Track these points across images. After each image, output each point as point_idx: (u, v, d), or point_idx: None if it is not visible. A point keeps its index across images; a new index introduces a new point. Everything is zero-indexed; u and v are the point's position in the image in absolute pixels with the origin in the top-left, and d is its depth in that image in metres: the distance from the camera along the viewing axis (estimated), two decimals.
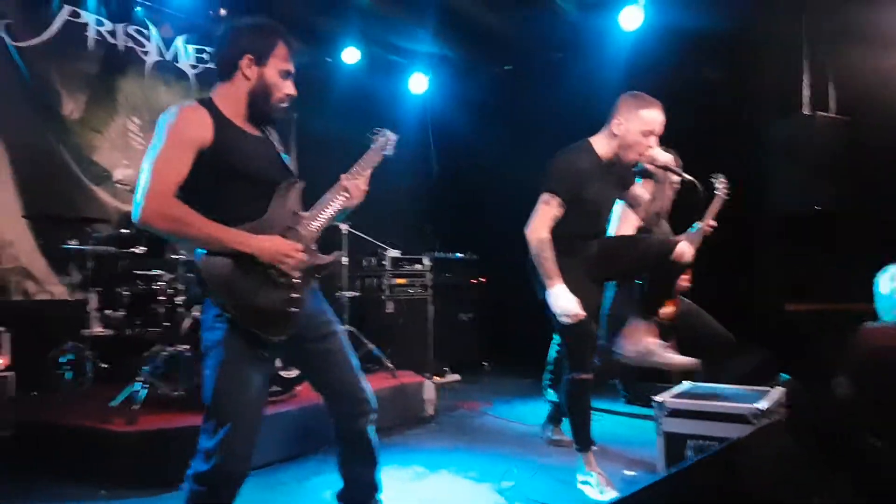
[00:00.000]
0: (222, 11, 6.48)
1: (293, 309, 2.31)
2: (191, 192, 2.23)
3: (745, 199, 5.81)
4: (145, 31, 6.01)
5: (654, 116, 3.31)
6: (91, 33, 5.61)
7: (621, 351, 3.65)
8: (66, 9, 5.46)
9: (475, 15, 6.70)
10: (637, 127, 3.30)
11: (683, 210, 3.70)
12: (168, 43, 6.20)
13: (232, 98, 2.37)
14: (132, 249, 4.77)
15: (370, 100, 7.51)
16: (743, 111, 6.16)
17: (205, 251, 2.22)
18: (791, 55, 5.85)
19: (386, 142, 2.68)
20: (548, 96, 7.41)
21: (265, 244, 2.25)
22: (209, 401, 2.25)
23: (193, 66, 6.39)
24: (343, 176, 2.52)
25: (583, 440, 3.55)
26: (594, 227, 3.54)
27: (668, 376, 5.88)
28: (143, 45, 5.99)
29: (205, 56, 6.47)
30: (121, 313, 4.68)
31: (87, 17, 5.59)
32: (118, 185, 5.59)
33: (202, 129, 2.25)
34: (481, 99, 7.96)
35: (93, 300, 4.67)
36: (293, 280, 2.30)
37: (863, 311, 3.89)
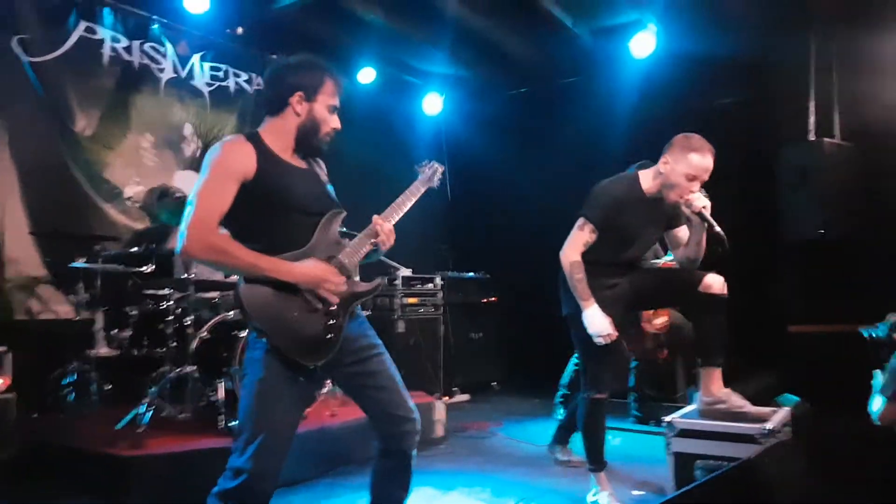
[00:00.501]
0: (239, 30, 6.53)
1: (330, 336, 2.36)
2: (236, 222, 2.33)
3: (755, 223, 5.87)
4: (161, 49, 6.02)
5: (700, 162, 3.29)
6: (106, 49, 5.62)
7: (697, 403, 3.65)
8: (82, 24, 5.47)
9: (490, 37, 6.74)
10: (683, 169, 3.30)
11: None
12: (184, 60, 6.21)
13: (281, 132, 2.47)
14: (141, 268, 4.76)
15: (385, 120, 7.53)
16: (752, 137, 6.19)
17: (244, 279, 2.29)
18: (799, 82, 5.88)
19: (433, 173, 2.77)
20: (561, 119, 7.44)
21: (304, 269, 2.32)
22: (242, 416, 2.32)
23: (209, 84, 6.40)
24: (375, 218, 2.53)
25: (596, 459, 3.62)
26: (625, 256, 3.53)
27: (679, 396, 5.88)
28: (158, 62, 6.00)
29: (220, 74, 6.49)
30: (127, 333, 4.65)
31: (103, 33, 5.60)
32: (129, 203, 5.61)
33: (245, 162, 2.32)
34: (495, 120, 7.97)
35: (99, 319, 4.65)
36: (331, 307, 2.36)
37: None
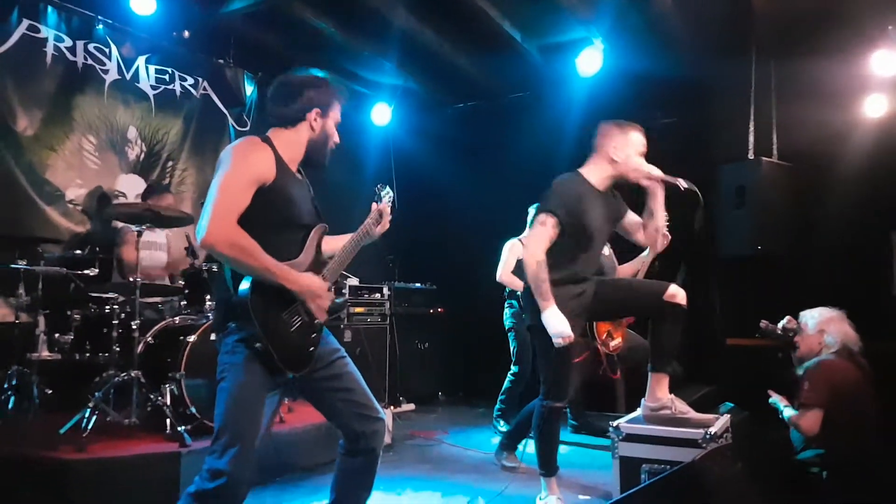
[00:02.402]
0: (186, 34, 6.45)
1: (312, 348, 2.46)
2: (241, 223, 2.32)
3: (695, 239, 6.08)
4: (106, 50, 5.89)
5: (640, 137, 3.56)
6: (49, 49, 5.46)
7: (642, 408, 3.71)
8: (25, 22, 5.31)
9: (439, 50, 6.80)
10: (633, 149, 3.52)
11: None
12: (129, 62, 6.08)
13: (292, 144, 2.54)
14: (84, 271, 4.65)
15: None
16: (694, 156, 6.43)
17: (250, 281, 2.30)
18: (739, 104, 6.16)
19: (389, 199, 2.86)
20: (509, 133, 7.58)
21: (308, 282, 2.40)
22: (222, 419, 2.32)
23: (154, 87, 6.28)
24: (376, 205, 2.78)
25: (548, 465, 3.69)
26: (586, 257, 3.55)
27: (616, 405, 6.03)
28: (102, 64, 5.86)
29: (166, 77, 6.38)
30: (70, 337, 4.52)
31: (47, 32, 5.46)
32: (70, 205, 5.48)
33: (266, 168, 2.39)
34: (444, 132, 8.06)
35: (41, 323, 4.52)
36: (315, 320, 2.44)
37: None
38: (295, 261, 2.43)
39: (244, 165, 2.34)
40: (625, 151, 3.51)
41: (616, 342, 4.93)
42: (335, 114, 2.61)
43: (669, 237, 3.71)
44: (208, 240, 2.21)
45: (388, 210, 2.80)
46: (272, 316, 2.33)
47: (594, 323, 4.59)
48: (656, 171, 3.54)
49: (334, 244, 2.69)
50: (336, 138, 2.63)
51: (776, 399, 4.04)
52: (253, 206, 2.33)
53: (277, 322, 2.34)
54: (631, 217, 3.73)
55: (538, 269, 3.36)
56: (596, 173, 3.57)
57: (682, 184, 3.51)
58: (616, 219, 3.69)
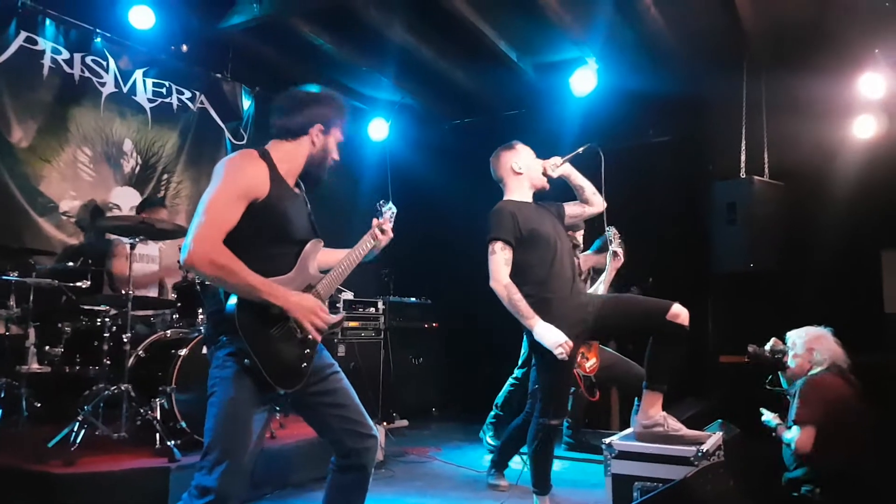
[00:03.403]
0: (184, 47, 6.48)
1: (304, 365, 2.42)
2: (231, 239, 2.30)
3: (688, 256, 6.12)
4: (103, 62, 5.91)
5: (525, 146, 3.84)
6: (47, 61, 5.49)
7: (635, 426, 3.72)
8: (23, 34, 5.33)
9: (436, 68, 6.85)
10: (526, 157, 3.79)
11: None
12: (126, 75, 6.10)
13: (291, 157, 2.52)
14: (76, 284, 4.64)
15: None
16: (686, 174, 6.48)
17: (237, 297, 2.27)
18: (731, 122, 6.21)
19: (391, 215, 2.85)
20: None
21: (296, 299, 2.34)
22: (211, 435, 2.28)
23: (151, 101, 6.30)
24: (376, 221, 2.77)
25: (543, 483, 3.69)
26: (556, 266, 3.58)
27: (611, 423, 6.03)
28: (100, 76, 5.89)
29: (163, 91, 6.40)
30: (60, 349, 4.51)
31: (44, 44, 5.47)
32: (64, 217, 5.48)
33: (260, 182, 2.36)
34: (440, 148, 8.09)
35: (31, 335, 4.49)
36: (308, 336, 2.39)
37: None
38: (287, 276, 2.40)
39: (235, 180, 2.31)
40: (524, 162, 3.76)
41: (591, 363, 4.91)
42: (338, 132, 2.60)
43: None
44: (189, 260, 2.20)
45: (389, 226, 2.79)
46: (261, 332, 2.30)
47: None
48: (557, 160, 3.79)
49: (331, 257, 2.66)
50: (335, 155, 2.61)
51: (769, 417, 4.04)
52: (245, 221, 2.31)
53: (267, 338, 2.31)
54: (568, 205, 3.90)
55: (509, 292, 3.46)
56: (515, 192, 3.78)
57: (579, 150, 3.79)
58: (560, 216, 3.84)
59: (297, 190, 2.57)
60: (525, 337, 5.60)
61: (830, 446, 3.63)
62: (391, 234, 2.79)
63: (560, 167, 3.78)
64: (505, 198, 3.79)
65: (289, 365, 2.37)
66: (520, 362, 5.62)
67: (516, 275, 3.51)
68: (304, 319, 2.34)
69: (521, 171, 3.74)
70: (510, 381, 5.62)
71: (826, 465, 3.65)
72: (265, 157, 2.44)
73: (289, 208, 2.44)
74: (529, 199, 3.77)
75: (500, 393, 5.64)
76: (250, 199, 2.32)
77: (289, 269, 2.42)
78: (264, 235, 2.38)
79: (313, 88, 2.64)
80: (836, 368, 3.85)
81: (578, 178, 3.86)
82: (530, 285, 3.48)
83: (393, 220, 2.85)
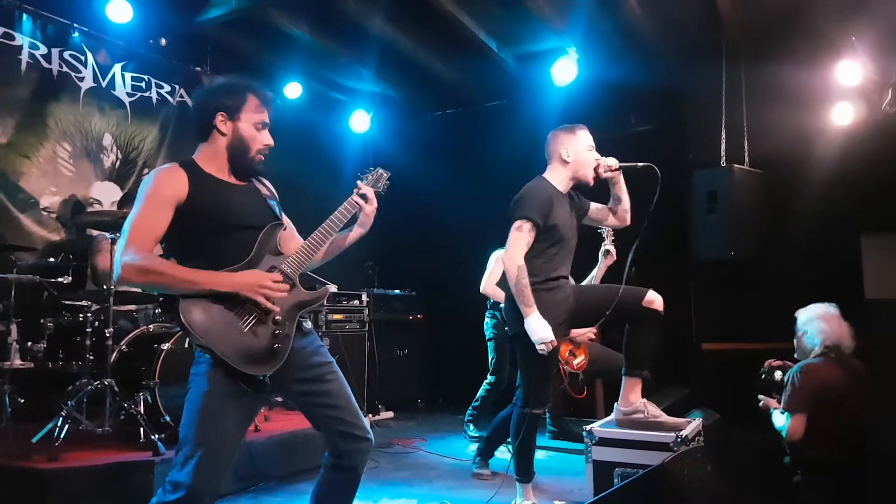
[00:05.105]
0: (163, 41, 6.44)
1: (277, 346, 2.34)
2: (179, 244, 2.35)
3: (669, 245, 6.16)
4: (81, 57, 5.87)
5: (587, 133, 3.70)
6: (24, 56, 5.45)
7: (615, 413, 3.76)
8: None
9: (416, 59, 6.85)
10: (581, 146, 3.65)
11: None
12: (105, 70, 6.07)
13: (213, 155, 2.48)
14: (58, 279, 4.62)
15: (312, 136, 7.52)
16: (666, 163, 6.49)
17: (182, 296, 2.25)
18: (711, 111, 6.24)
19: (378, 178, 2.72)
20: (486, 141, 7.64)
21: (240, 279, 2.31)
22: (184, 430, 2.28)
23: (130, 95, 6.27)
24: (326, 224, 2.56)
25: (525, 471, 3.72)
26: (561, 260, 3.61)
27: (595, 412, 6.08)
28: (78, 71, 5.85)
29: (142, 85, 6.37)
30: (42, 345, 4.49)
31: (21, 39, 5.43)
32: (45, 213, 5.45)
33: (176, 186, 2.34)
34: (422, 139, 8.09)
35: (13, 331, 4.46)
36: (275, 315, 2.33)
37: (772, 350, 4.19)
38: (246, 261, 2.37)
39: (150, 196, 2.33)
40: (574, 150, 3.64)
41: (580, 360, 4.96)
42: (251, 115, 2.47)
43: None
44: (122, 277, 2.22)
45: (372, 192, 2.63)
46: (218, 322, 2.25)
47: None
48: (613, 161, 3.65)
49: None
50: (263, 140, 2.51)
51: (769, 405, 4.01)
52: (179, 223, 2.33)
53: (226, 327, 2.26)
54: (595, 207, 3.83)
55: (519, 274, 3.41)
56: (556, 177, 3.68)
57: (639, 165, 3.64)
58: (581, 216, 3.79)
59: (239, 182, 2.51)
60: (491, 343, 5.69)
61: (822, 434, 3.59)
62: (375, 203, 2.64)
63: (613, 171, 3.66)
64: (545, 175, 3.71)
65: (258, 348, 2.30)
66: (491, 367, 5.69)
67: (527, 259, 3.47)
68: (253, 295, 2.29)
69: (568, 161, 3.65)
70: (484, 385, 5.71)
71: (815, 453, 3.62)
72: (185, 163, 2.44)
73: (220, 198, 2.41)
74: (565, 188, 3.68)
75: (477, 395, 5.73)
76: (172, 204, 2.32)
77: (246, 256, 2.39)
78: (204, 230, 2.37)
79: (214, 81, 2.59)
80: (836, 353, 3.74)
81: (622, 189, 3.75)
82: (536, 276, 3.46)
83: (385, 185, 2.71)
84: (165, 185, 2.34)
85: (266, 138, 2.52)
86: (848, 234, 5.90)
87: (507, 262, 3.46)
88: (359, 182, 2.66)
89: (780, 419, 3.78)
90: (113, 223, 4.26)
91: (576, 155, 3.64)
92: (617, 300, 3.51)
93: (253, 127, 2.48)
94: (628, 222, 3.83)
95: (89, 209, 5.62)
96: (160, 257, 2.28)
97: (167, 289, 2.28)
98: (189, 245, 2.35)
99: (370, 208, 2.63)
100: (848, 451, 3.55)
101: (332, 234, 2.55)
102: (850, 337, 3.80)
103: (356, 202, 2.61)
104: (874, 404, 3.68)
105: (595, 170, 3.63)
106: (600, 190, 3.79)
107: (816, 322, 3.85)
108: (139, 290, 5.12)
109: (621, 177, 3.72)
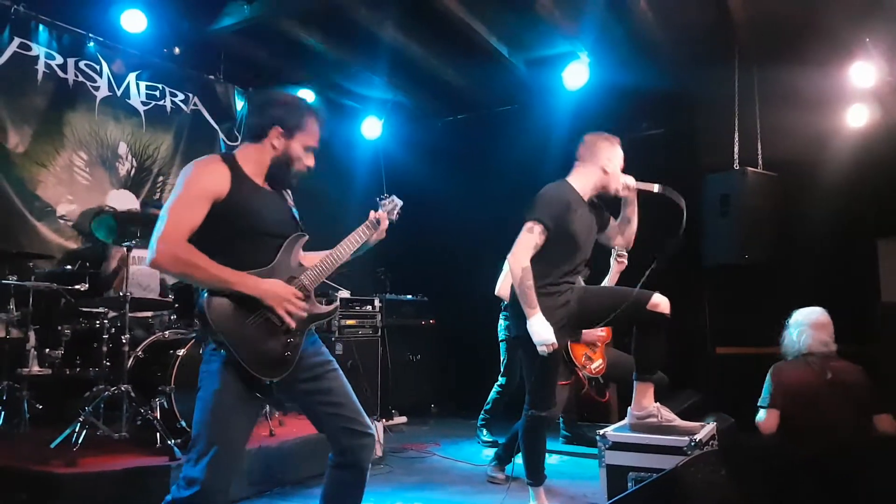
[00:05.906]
0: (176, 50, 6.50)
1: (288, 354, 2.41)
2: (205, 239, 2.36)
3: (682, 248, 6.12)
4: (97, 67, 5.94)
5: (621, 152, 3.69)
6: (41, 66, 5.52)
7: (628, 417, 3.76)
8: (16, 40, 5.36)
9: (427, 65, 6.87)
10: (618, 161, 3.66)
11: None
12: (119, 79, 6.13)
13: (255, 159, 2.52)
14: (75, 287, 4.67)
15: (324, 142, 7.46)
16: (679, 166, 6.49)
17: (208, 291, 2.31)
18: (724, 114, 6.22)
19: (393, 207, 2.82)
20: (497, 146, 7.65)
21: (268, 286, 2.37)
22: (197, 427, 2.33)
23: (144, 104, 6.33)
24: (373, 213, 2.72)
25: (536, 475, 3.71)
26: (570, 267, 3.58)
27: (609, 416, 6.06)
28: (93, 80, 5.91)
29: (156, 93, 6.43)
30: (60, 352, 4.55)
31: (38, 49, 5.50)
32: (61, 221, 5.51)
33: (218, 182, 2.39)
34: (433, 145, 8.11)
35: (31, 338, 4.52)
36: (291, 326, 2.40)
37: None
38: (265, 269, 2.43)
39: (192, 183, 2.36)
40: (614, 163, 3.62)
41: (597, 364, 4.92)
42: (304, 137, 2.55)
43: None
44: (155, 259, 2.26)
45: (386, 220, 2.75)
46: (237, 322, 2.32)
47: (570, 349, 4.64)
48: (632, 181, 3.65)
49: (318, 258, 2.65)
50: (306, 162, 2.59)
51: None
52: (212, 220, 2.36)
53: (244, 328, 2.33)
54: (612, 226, 3.81)
55: (524, 276, 3.39)
56: (582, 182, 3.64)
57: (655, 188, 3.60)
58: (601, 227, 3.76)
59: (267, 187, 2.56)
60: (503, 344, 5.68)
61: (794, 431, 3.71)
62: (384, 233, 2.75)
63: (630, 190, 3.66)
64: (569, 178, 3.67)
65: (270, 354, 2.37)
66: (502, 369, 5.69)
67: (533, 261, 3.44)
68: (276, 306, 2.36)
69: (608, 173, 3.61)
70: (495, 387, 5.71)
71: (790, 448, 3.71)
72: (227, 158, 2.47)
73: (255, 203, 2.46)
74: (587, 195, 3.65)
75: (488, 398, 5.73)
76: (211, 199, 2.36)
77: (268, 263, 2.45)
78: (234, 231, 2.41)
79: (280, 90, 2.64)
80: (809, 356, 3.86)
81: (634, 212, 3.74)
82: (538, 279, 3.43)
83: (398, 213, 2.82)
84: (208, 179, 2.39)
85: (310, 160, 2.60)
86: (863, 237, 5.86)
87: (512, 263, 3.45)
88: (372, 212, 2.74)
89: (759, 414, 3.90)
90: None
91: (614, 169, 3.63)
92: (620, 304, 3.50)
93: (302, 149, 2.56)
94: (632, 245, 3.84)
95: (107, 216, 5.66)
96: (197, 250, 2.31)
97: (195, 281, 2.34)
98: (215, 242, 2.37)
99: (379, 236, 2.74)
100: (819, 450, 3.56)
101: (348, 254, 2.65)
102: (825, 343, 3.90)
103: (372, 227, 2.71)
104: (860, 407, 3.71)
105: (619, 185, 3.64)
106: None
107: (806, 329, 3.96)
108: (154, 297, 5.20)
109: (635, 198, 3.71)
